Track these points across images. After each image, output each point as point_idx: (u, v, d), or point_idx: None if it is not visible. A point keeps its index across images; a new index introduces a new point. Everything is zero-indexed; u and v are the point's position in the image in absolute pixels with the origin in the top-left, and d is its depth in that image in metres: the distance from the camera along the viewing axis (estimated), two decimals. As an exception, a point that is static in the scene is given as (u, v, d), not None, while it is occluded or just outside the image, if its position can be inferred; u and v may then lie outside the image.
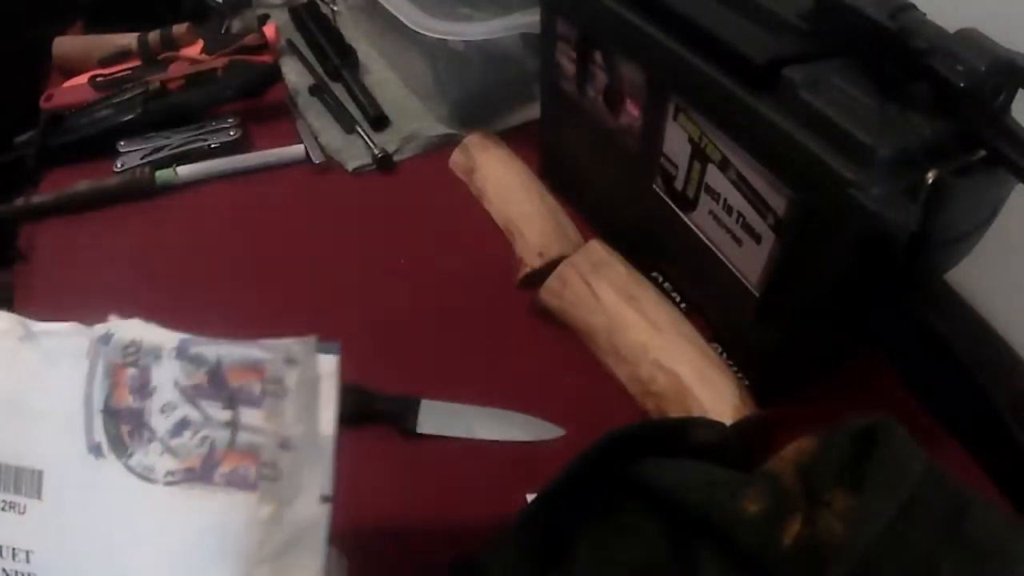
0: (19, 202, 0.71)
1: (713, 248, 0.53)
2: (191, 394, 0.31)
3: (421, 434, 0.54)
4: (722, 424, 0.49)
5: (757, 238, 0.48)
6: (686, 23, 0.47)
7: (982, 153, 0.40)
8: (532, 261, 0.64)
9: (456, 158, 0.75)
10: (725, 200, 0.49)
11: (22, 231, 0.71)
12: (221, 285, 0.65)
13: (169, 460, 0.30)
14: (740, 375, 0.55)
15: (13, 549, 0.30)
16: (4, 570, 0.30)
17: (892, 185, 0.38)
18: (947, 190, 0.38)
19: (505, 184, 0.70)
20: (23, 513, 0.30)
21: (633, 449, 0.44)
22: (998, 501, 0.50)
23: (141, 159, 0.74)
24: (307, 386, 0.31)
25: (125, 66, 0.84)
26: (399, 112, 0.81)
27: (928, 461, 0.37)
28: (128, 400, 0.30)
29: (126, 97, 0.78)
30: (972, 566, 0.36)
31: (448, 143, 0.77)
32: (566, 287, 0.59)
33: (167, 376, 0.31)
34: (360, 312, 0.63)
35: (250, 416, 0.31)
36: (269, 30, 0.88)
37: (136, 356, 0.31)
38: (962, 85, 0.38)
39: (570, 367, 0.59)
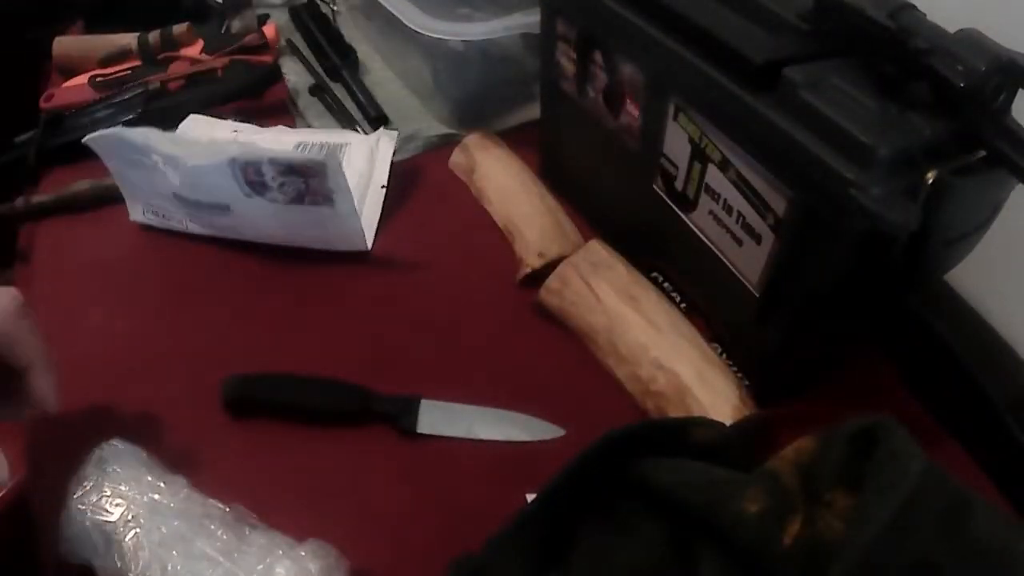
0: (19, 202, 0.71)
1: (713, 248, 0.53)
2: (283, 175, 0.59)
3: (421, 434, 0.54)
4: (722, 424, 0.49)
5: (757, 238, 0.48)
6: (686, 23, 0.47)
7: (982, 153, 0.40)
8: (532, 261, 0.64)
9: (456, 158, 0.75)
10: (725, 200, 0.49)
11: (22, 231, 0.71)
12: (222, 283, 0.65)
13: (281, 196, 0.61)
14: (740, 375, 0.55)
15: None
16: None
17: (892, 185, 0.38)
18: (947, 190, 0.38)
19: (505, 184, 0.70)
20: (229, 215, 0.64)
21: (633, 449, 0.44)
22: (998, 501, 0.50)
23: (141, 159, 0.75)
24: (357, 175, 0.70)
25: (125, 66, 0.84)
26: (399, 112, 0.81)
27: (928, 461, 0.37)
28: (253, 177, 0.59)
29: (126, 97, 0.78)
30: (972, 566, 0.36)
31: (448, 143, 0.77)
32: (566, 287, 0.59)
33: (268, 169, 0.59)
34: (360, 312, 0.63)
35: (314, 183, 0.60)
36: (269, 30, 0.88)
37: (253, 164, 0.59)
38: (962, 85, 0.38)
39: (570, 367, 0.59)
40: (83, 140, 0.63)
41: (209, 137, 0.74)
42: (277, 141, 0.74)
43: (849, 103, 0.40)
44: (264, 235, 0.66)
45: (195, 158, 0.60)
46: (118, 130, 0.61)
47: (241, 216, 0.64)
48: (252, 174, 0.59)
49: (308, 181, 0.59)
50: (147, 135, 0.62)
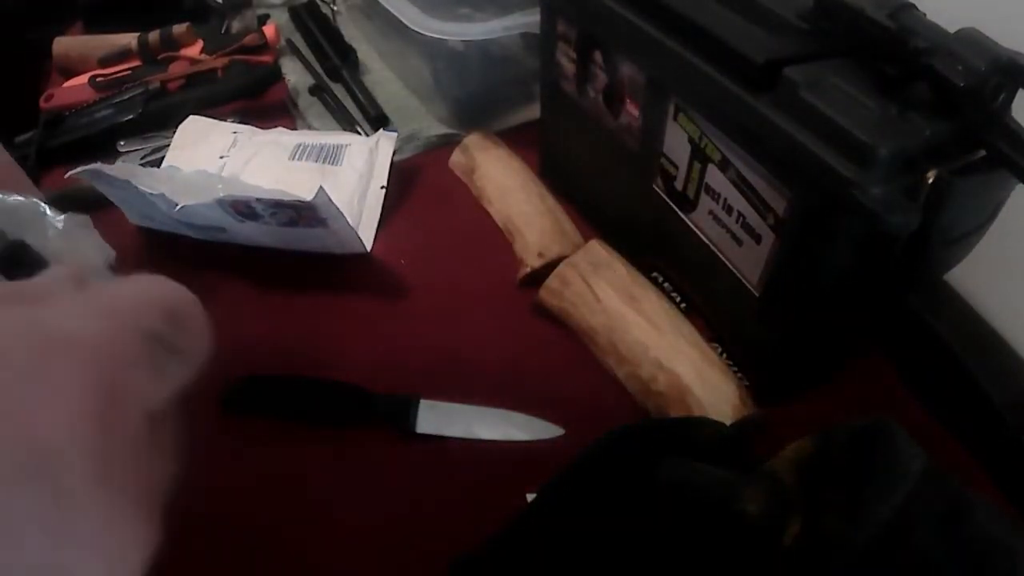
0: (19, 202, 0.71)
1: (713, 248, 0.53)
2: (272, 208, 0.59)
3: (420, 434, 0.54)
4: (722, 424, 0.49)
5: (757, 238, 0.48)
6: (686, 23, 0.47)
7: (982, 153, 0.40)
8: (532, 261, 0.64)
9: (456, 158, 0.75)
10: (725, 200, 0.49)
11: (22, 231, 0.71)
12: (218, 279, 0.65)
13: (274, 221, 0.61)
14: (740, 375, 0.55)
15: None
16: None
17: (892, 185, 0.38)
18: (947, 190, 0.38)
19: (505, 184, 0.70)
20: (226, 233, 0.65)
21: (633, 448, 0.45)
22: (998, 501, 0.50)
23: (141, 159, 0.74)
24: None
25: (125, 66, 0.84)
26: (399, 112, 0.81)
27: (928, 461, 0.37)
28: (244, 209, 0.60)
29: (126, 97, 0.78)
30: (972, 566, 0.36)
31: (448, 143, 0.77)
32: (566, 287, 0.59)
33: (259, 205, 0.59)
34: (359, 312, 0.63)
35: (305, 212, 0.59)
36: (269, 30, 0.88)
37: (242, 201, 0.58)
38: (962, 85, 0.38)
39: (570, 367, 0.59)
40: (66, 176, 0.62)
41: (198, 157, 0.73)
42: (276, 143, 0.74)
43: (849, 103, 0.40)
44: (263, 244, 0.66)
45: (182, 197, 0.59)
46: (98, 166, 0.60)
47: (238, 234, 0.64)
48: (242, 207, 0.59)
49: (299, 211, 0.59)
50: (128, 171, 0.61)
